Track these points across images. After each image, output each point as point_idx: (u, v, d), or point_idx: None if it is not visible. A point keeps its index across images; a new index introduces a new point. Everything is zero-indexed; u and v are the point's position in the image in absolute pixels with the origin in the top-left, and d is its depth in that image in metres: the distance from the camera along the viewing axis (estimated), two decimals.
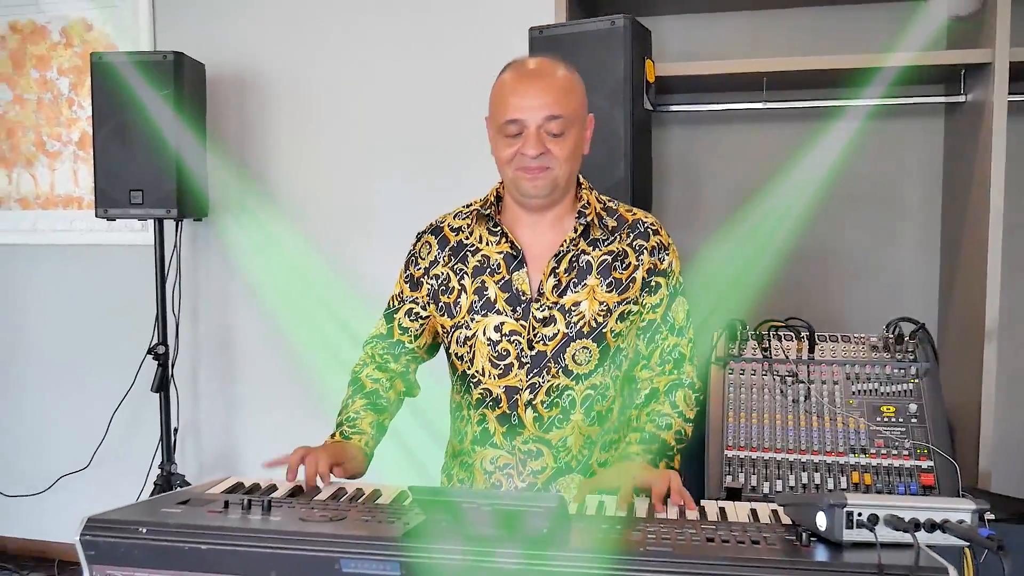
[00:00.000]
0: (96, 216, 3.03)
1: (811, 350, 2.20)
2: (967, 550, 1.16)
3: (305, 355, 3.26)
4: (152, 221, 3.13)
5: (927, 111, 2.99)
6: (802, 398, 2.11)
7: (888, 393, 2.09)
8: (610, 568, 1.03)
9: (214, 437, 3.48)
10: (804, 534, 1.10)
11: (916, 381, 2.10)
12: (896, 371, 2.13)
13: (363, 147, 3.26)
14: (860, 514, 1.08)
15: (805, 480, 1.97)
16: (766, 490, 1.95)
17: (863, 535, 1.08)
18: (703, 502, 1.38)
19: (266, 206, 3.36)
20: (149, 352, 3.17)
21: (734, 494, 1.94)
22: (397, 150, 3.23)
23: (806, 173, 3.15)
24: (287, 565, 1.10)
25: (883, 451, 1.99)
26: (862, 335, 2.22)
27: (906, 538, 1.08)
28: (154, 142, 2.95)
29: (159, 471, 3.19)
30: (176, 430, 3.29)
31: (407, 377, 1.83)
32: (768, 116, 3.10)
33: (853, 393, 2.11)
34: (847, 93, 2.95)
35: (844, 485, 1.94)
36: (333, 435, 1.69)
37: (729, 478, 1.99)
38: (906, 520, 1.08)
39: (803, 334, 2.20)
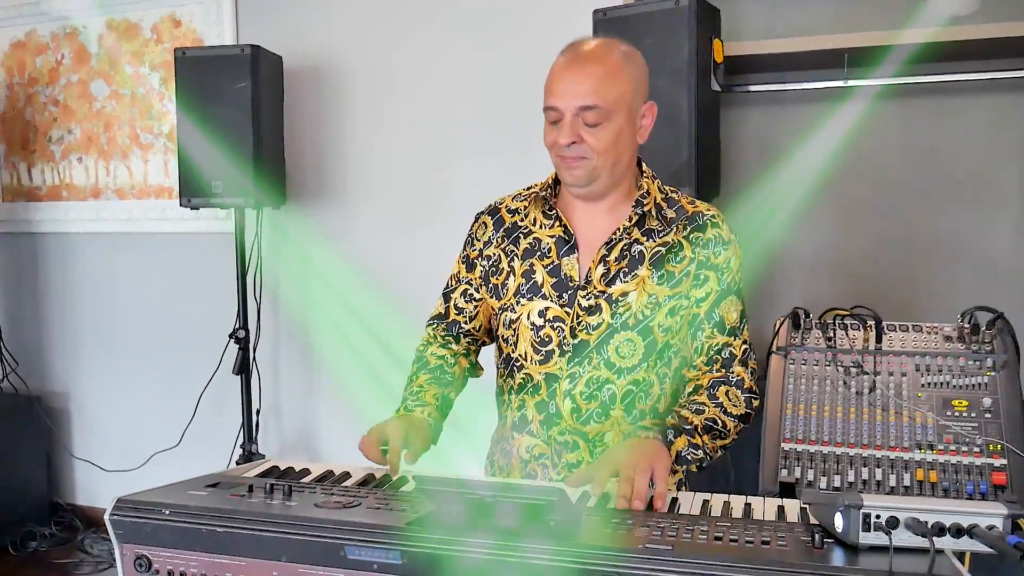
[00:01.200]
0: (180, 205, 3.16)
1: (878, 340, 2.09)
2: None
3: (381, 338, 3.33)
4: (233, 210, 3.25)
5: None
6: (866, 390, 2.01)
7: (961, 386, 1.97)
8: (608, 564, 1.01)
9: (294, 418, 3.60)
10: (818, 536, 1.05)
11: (992, 374, 1.98)
12: (971, 363, 2.00)
13: (435, 134, 3.29)
14: (878, 516, 1.03)
15: (865, 476, 1.88)
16: (823, 485, 1.88)
17: (881, 539, 1.02)
18: (732, 497, 1.33)
19: (342, 194, 3.44)
20: (231, 336, 3.30)
21: (788, 489, 1.87)
22: (468, 136, 3.25)
23: (891, 154, 3.00)
24: (296, 550, 1.13)
25: (952, 447, 1.88)
26: (935, 325, 2.10)
27: (927, 543, 1.02)
28: (233, 133, 3.06)
29: (241, 450, 3.33)
30: (258, 411, 3.42)
31: (468, 357, 1.82)
32: (850, 94, 2.96)
33: (922, 386, 2.00)
34: (934, 68, 2.79)
35: (907, 482, 1.84)
36: (398, 410, 1.68)
37: (784, 472, 1.92)
38: (929, 524, 1.02)
39: (869, 323, 2.10)
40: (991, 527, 1.01)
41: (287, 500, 1.24)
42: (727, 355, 1.64)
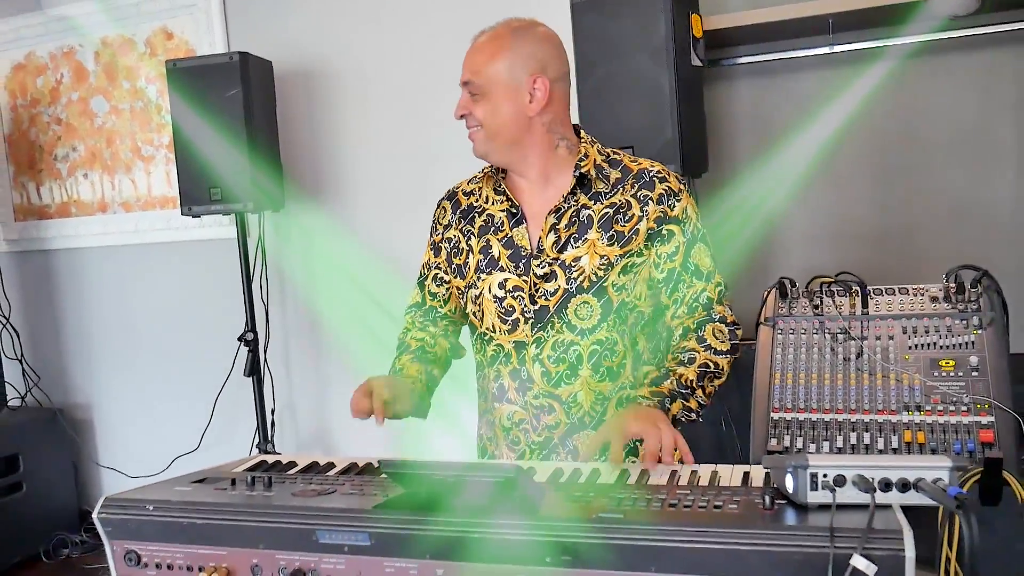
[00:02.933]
0: (182, 214, 3.23)
1: (864, 305, 2.10)
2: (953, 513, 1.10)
3: (387, 331, 3.36)
4: (233, 215, 3.31)
5: (1019, 39, 2.75)
6: (853, 356, 2.02)
7: (947, 346, 1.98)
8: (562, 534, 1.04)
9: (309, 416, 3.67)
10: (769, 497, 1.08)
11: (979, 332, 1.98)
12: (957, 323, 2.00)
13: (426, 129, 3.32)
14: (825, 475, 1.05)
15: (854, 440, 1.89)
16: (811, 452, 1.89)
17: (828, 497, 1.04)
18: (700, 466, 1.36)
19: (340, 193, 3.49)
20: (239, 339, 3.36)
21: None
22: (457, 129, 3.27)
23: (884, 117, 2.99)
24: (272, 537, 1.17)
25: (939, 408, 1.88)
26: (921, 286, 2.10)
27: (880, 499, 1.04)
28: (228, 140, 3.12)
29: (257, 451, 3.39)
30: (273, 410, 3.49)
31: (448, 338, 1.88)
32: (838, 60, 2.95)
33: (909, 348, 2.00)
34: (923, 27, 2.77)
35: (895, 445, 1.85)
36: None
37: (774, 441, 1.94)
38: (876, 480, 1.04)
39: (854, 289, 2.11)
40: (937, 480, 1.03)
41: (266, 491, 1.29)
42: (704, 300, 1.71)
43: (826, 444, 1.91)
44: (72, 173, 3.89)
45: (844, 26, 2.84)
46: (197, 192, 3.18)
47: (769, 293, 2.20)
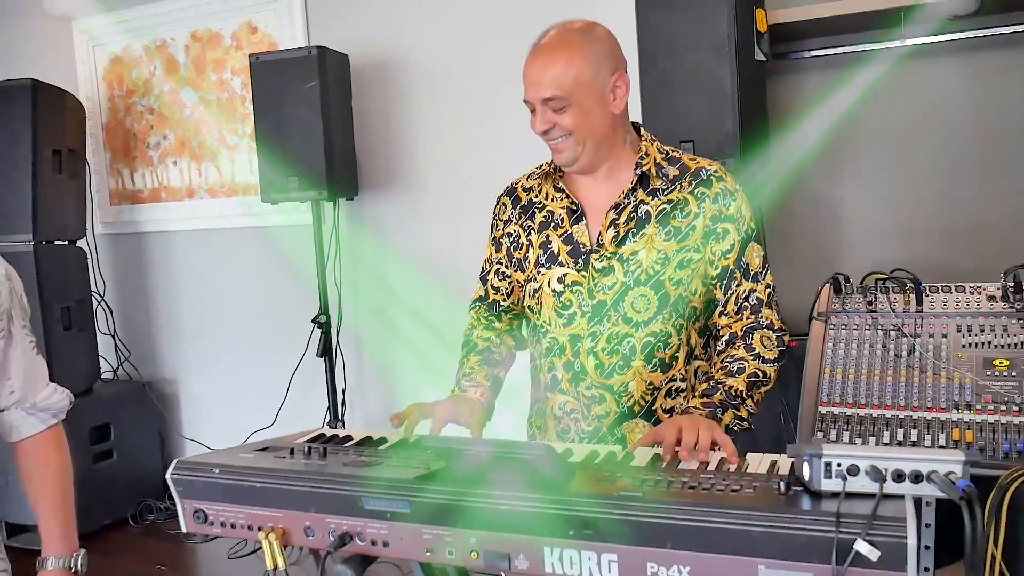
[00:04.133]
0: (262, 201, 3.39)
1: (919, 302, 2.10)
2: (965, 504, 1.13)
3: (452, 317, 3.47)
4: (310, 203, 3.46)
5: None
6: (905, 352, 2.02)
7: (1002, 345, 1.96)
8: (584, 509, 1.11)
9: (377, 396, 3.81)
10: (783, 483, 1.12)
11: None
12: (1013, 322, 1.99)
13: (494, 121, 3.41)
14: (839, 464, 1.09)
15: (900, 437, 1.90)
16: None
17: (840, 485, 1.09)
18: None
19: (411, 183, 3.60)
20: (313, 321, 3.52)
21: None
22: (525, 122, 3.34)
23: (957, 112, 2.94)
24: (323, 502, 1.28)
25: (990, 407, 1.88)
26: (977, 285, 2.09)
27: (893, 489, 1.08)
28: (305, 131, 3.26)
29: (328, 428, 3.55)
30: (344, 390, 3.64)
31: (513, 333, 1.95)
32: (912, 53, 2.91)
33: (963, 347, 1.99)
34: (1000, 20, 2.71)
35: (943, 442, 1.86)
36: (453, 391, 1.82)
37: (820, 435, 1.96)
38: (889, 471, 1.08)
39: (909, 286, 2.10)
40: (949, 473, 1.07)
41: (321, 460, 1.39)
42: (754, 300, 1.73)
43: (872, 440, 1.92)
44: (163, 160, 4.12)
45: (916, 19, 2.80)
46: (276, 181, 3.34)
47: (823, 288, 2.22)
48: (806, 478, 1.13)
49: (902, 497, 1.08)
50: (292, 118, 3.28)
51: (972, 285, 2.10)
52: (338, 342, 3.63)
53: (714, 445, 1.41)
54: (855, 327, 2.12)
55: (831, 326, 2.14)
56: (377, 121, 3.62)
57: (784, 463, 1.34)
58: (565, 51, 1.64)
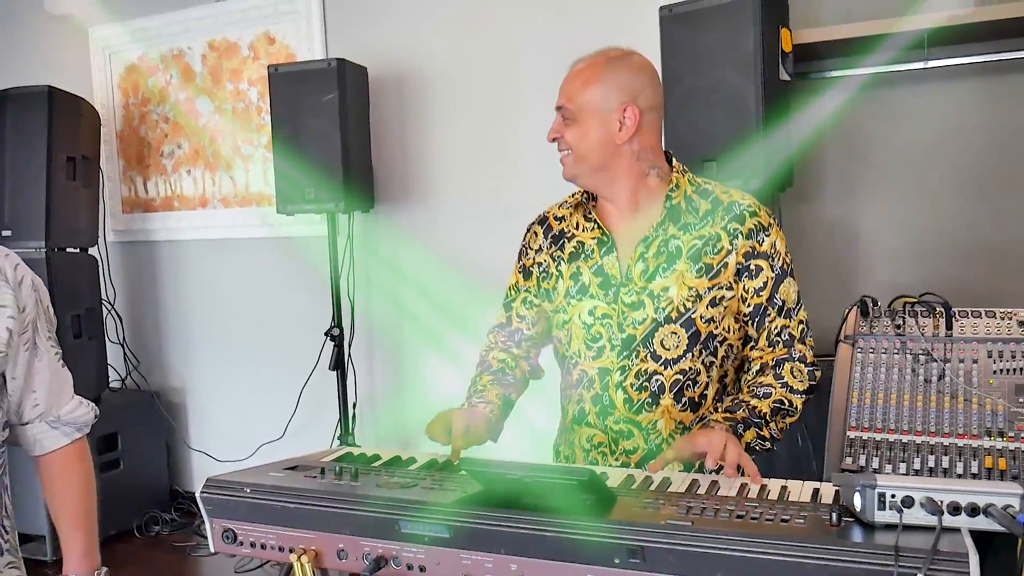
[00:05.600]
0: (277, 211, 3.38)
1: (948, 327, 2.07)
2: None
3: (467, 332, 3.46)
4: (325, 214, 3.44)
5: None
6: (935, 378, 2.00)
7: None
8: (632, 538, 1.09)
9: (388, 411, 3.78)
10: (835, 514, 1.10)
11: None
12: None
13: (512, 135, 3.40)
14: (893, 495, 1.07)
15: (932, 464, 1.87)
16: (885, 472, 1.88)
17: (896, 517, 1.06)
18: (770, 481, 1.38)
19: (427, 196, 3.59)
20: (326, 334, 3.49)
21: None
22: (543, 136, 3.33)
23: (977, 135, 2.93)
24: (358, 524, 1.25)
25: (1023, 435, 1.85)
26: (1008, 310, 2.07)
27: (948, 522, 1.05)
28: (323, 143, 3.25)
29: (339, 442, 3.52)
30: (355, 404, 3.61)
31: (529, 360, 1.93)
32: (933, 75, 2.90)
33: (994, 372, 1.97)
34: (1015, 44, 2.71)
35: (975, 470, 1.83)
36: (462, 405, 1.79)
37: (849, 459, 1.93)
38: (944, 503, 1.06)
39: (938, 310, 2.08)
40: (1007, 507, 1.04)
41: (353, 481, 1.37)
42: (787, 336, 1.71)
43: (902, 465, 1.90)
44: (176, 169, 4.10)
45: (939, 41, 2.79)
46: (292, 192, 3.32)
47: (850, 311, 2.19)
48: (857, 509, 1.10)
49: (957, 530, 1.06)
50: (310, 129, 3.27)
51: (1003, 311, 2.07)
52: (350, 355, 3.60)
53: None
54: (883, 351, 2.09)
55: (859, 349, 2.11)
56: (393, 133, 3.61)
57: (827, 491, 1.31)
58: (587, 70, 1.68)
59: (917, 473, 1.87)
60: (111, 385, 4.05)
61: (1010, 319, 2.06)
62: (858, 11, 2.99)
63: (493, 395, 1.79)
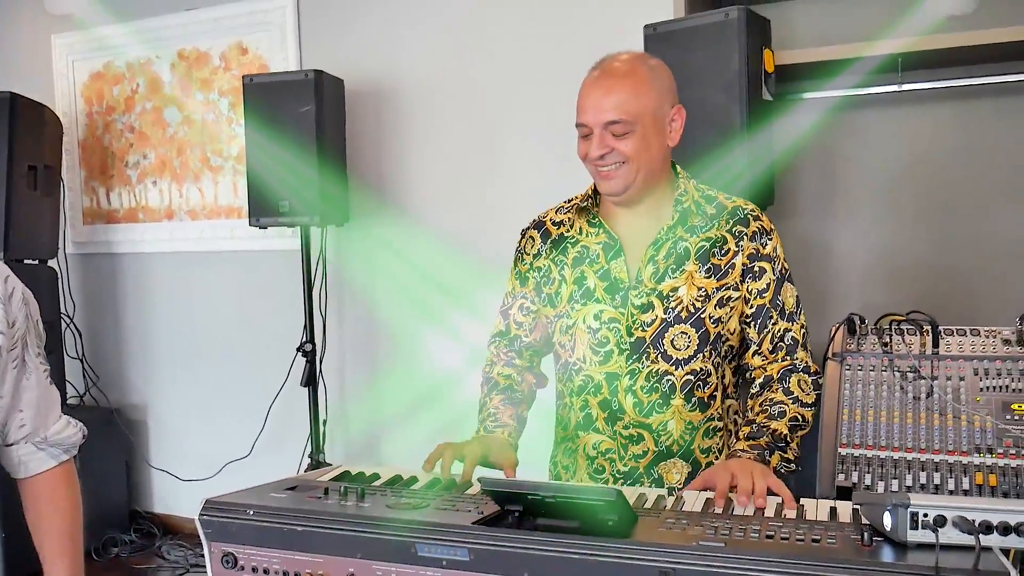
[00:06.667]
0: (249, 225, 3.31)
1: (935, 344, 2.10)
2: None
3: (442, 351, 3.42)
4: (299, 228, 3.38)
5: None
6: (923, 395, 2.02)
7: (1020, 390, 1.98)
8: (664, 560, 1.06)
9: (359, 428, 3.71)
10: (867, 534, 1.09)
11: None
12: None
13: (491, 149, 3.38)
14: (926, 515, 1.06)
15: (924, 480, 1.89)
16: (880, 490, 1.90)
17: (928, 536, 1.06)
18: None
19: (403, 210, 3.54)
20: (298, 350, 3.42)
21: (844, 493, 1.89)
22: (522, 151, 3.33)
23: (949, 156, 2.99)
24: (371, 548, 1.21)
25: (1012, 451, 1.88)
26: (993, 328, 2.11)
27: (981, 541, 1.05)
28: (299, 155, 3.19)
29: (309, 460, 3.45)
30: (325, 422, 3.54)
31: (533, 370, 1.91)
32: (906, 98, 2.96)
33: (981, 390, 2.00)
34: (992, 69, 2.78)
35: (966, 486, 1.85)
36: (477, 430, 1.77)
37: (841, 476, 1.94)
38: (976, 522, 1.05)
39: (925, 328, 2.11)
40: None
41: (360, 502, 1.32)
42: (789, 340, 1.71)
43: (895, 482, 1.91)
44: (142, 180, 4.00)
45: (913, 65, 2.85)
46: (266, 204, 3.26)
47: (838, 329, 2.21)
48: (888, 528, 1.09)
49: (989, 549, 1.05)
50: (285, 141, 3.21)
51: (987, 329, 2.11)
52: (321, 372, 3.53)
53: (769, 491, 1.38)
54: (871, 368, 2.12)
55: (847, 367, 2.13)
56: (370, 147, 3.56)
57: (843, 509, 1.31)
58: (632, 77, 1.63)
59: (910, 489, 1.89)
60: (69, 402, 3.91)
61: (995, 337, 2.09)
62: (834, 34, 3.04)
63: (507, 416, 1.76)
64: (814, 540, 1.10)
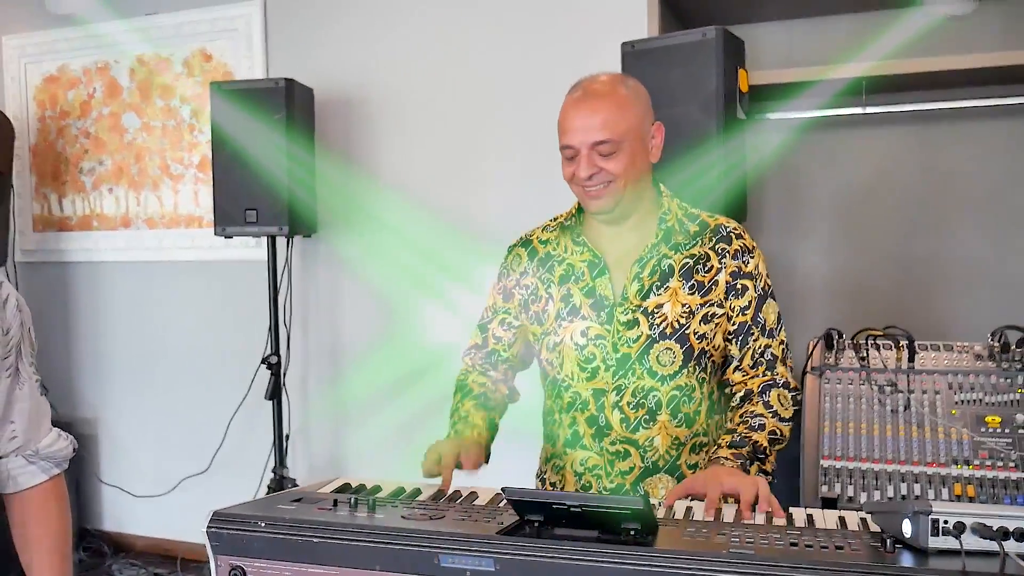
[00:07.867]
0: (215, 234, 3.24)
1: (911, 359, 2.17)
2: None
3: (410, 363, 3.39)
4: (266, 238, 3.32)
5: None
6: (901, 408, 2.08)
7: (993, 403, 2.05)
8: (695, 569, 1.07)
9: (323, 442, 3.65)
10: (889, 540, 1.11)
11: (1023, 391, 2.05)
12: (1002, 380, 2.08)
13: (462, 162, 3.37)
14: (946, 522, 1.09)
15: (904, 491, 1.94)
16: (863, 500, 1.94)
17: (949, 543, 1.08)
18: (791, 509, 1.39)
19: (371, 221, 3.51)
20: (263, 362, 3.35)
21: (829, 504, 1.94)
22: (494, 165, 3.33)
23: (911, 178, 3.10)
24: (390, 559, 1.18)
25: (987, 463, 1.95)
26: (965, 344, 2.18)
27: (994, 546, 1.08)
28: (267, 164, 3.14)
29: (272, 474, 3.37)
30: (287, 436, 3.47)
31: (507, 383, 1.92)
32: (870, 120, 3.06)
33: (956, 403, 2.07)
34: (952, 95, 2.89)
35: (945, 497, 1.91)
36: (448, 435, 1.75)
37: (825, 488, 1.98)
38: (994, 528, 1.08)
39: (902, 343, 2.17)
40: None
41: (373, 513, 1.30)
42: (769, 356, 1.73)
43: (877, 493, 1.96)
44: (97, 187, 3.89)
45: (876, 88, 2.94)
46: (233, 213, 3.19)
47: (816, 344, 2.26)
48: (907, 535, 1.12)
49: (1008, 555, 1.08)
50: (253, 150, 3.15)
51: (960, 344, 2.19)
52: (284, 384, 3.46)
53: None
54: (849, 382, 2.17)
55: (825, 380, 2.18)
56: (338, 157, 3.52)
57: (851, 518, 1.33)
58: (615, 96, 1.66)
59: (891, 499, 1.94)
60: None
61: (968, 352, 2.17)
62: (799, 57, 3.13)
63: (479, 419, 1.76)
64: (838, 547, 1.11)
